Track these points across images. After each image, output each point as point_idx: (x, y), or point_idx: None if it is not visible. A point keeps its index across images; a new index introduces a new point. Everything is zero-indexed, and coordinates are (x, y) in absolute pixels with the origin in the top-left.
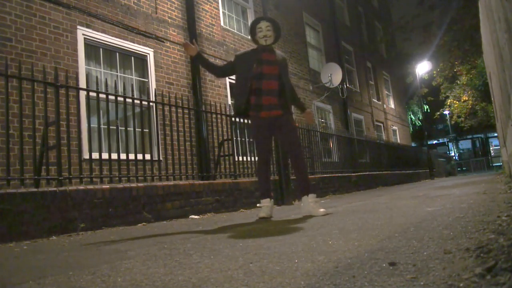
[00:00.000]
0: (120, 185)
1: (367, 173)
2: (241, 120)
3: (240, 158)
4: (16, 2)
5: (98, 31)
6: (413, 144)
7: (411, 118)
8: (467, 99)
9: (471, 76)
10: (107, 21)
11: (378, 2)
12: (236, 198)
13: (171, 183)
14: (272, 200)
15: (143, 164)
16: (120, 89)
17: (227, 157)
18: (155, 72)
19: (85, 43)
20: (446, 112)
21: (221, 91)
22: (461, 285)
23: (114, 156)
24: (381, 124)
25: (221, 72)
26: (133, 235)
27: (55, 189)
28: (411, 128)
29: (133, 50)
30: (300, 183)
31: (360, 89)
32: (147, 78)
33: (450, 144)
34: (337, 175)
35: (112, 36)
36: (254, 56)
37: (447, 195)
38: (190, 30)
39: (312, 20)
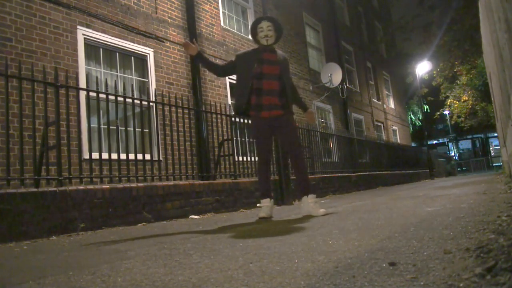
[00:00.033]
0: (120, 185)
1: (367, 173)
2: (241, 120)
3: (240, 158)
4: (16, 2)
5: (98, 31)
6: (413, 144)
7: (411, 118)
8: (467, 99)
9: (471, 76)
10: (107, 21)
11: (378, 2)
12: (236, 198)
13: (171, 183)
14: (272, 200)
15: (143, 164)
16: (120, 89)
17: (227, 157)
18: (155, 72)
19: (85, 43)
20: (446, 112)
21: (221, 91)
22: (461, 285)
23: (114, 156)
24: (381, 124)
25: (222, 71)
26: (133, 235)
27: (55, 189)
28: (411, 128)
29: (133, 50)
30: (300, 183)
31: (360, 89)
32: (147, 78)
33: (450, 144)
34: (337, 175)
35: (112, 36)
36: (255, 55)
37: (447, 195)
38: (190, 30)
39: (312, 20)
